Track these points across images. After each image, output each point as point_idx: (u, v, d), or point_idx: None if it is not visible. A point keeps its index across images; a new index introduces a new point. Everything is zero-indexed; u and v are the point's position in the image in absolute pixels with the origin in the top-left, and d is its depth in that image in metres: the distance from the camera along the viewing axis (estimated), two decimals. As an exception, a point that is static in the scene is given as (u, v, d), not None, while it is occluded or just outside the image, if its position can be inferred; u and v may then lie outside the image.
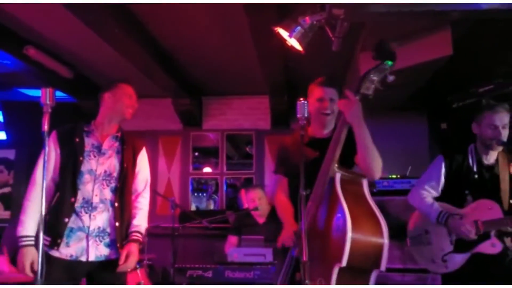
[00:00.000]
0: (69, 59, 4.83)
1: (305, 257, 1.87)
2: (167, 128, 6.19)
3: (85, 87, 5.48)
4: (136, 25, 3.99)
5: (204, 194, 9.38)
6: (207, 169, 7.75)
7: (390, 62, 2.07)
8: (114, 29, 3.66)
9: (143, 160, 2.71)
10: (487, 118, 2.74)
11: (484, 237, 2.63)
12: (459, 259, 2.72)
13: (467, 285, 2.48)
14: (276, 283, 2.39)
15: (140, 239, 2.56)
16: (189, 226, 4.69)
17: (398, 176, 4.67)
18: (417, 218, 3.05)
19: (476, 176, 2.75)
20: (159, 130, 6.20)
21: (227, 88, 5.95)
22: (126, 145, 2.62)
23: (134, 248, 2.49)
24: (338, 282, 1.90)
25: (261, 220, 4.44)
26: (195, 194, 9.02)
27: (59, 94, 5.38)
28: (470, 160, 2.79)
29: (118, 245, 2.47)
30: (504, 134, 2.68)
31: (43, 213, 2.04)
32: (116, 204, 2.50)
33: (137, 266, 3.76)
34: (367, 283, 1.99)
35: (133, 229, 2.55)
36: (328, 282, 1.90)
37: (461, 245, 2.73)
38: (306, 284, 1.85)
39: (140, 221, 2.61)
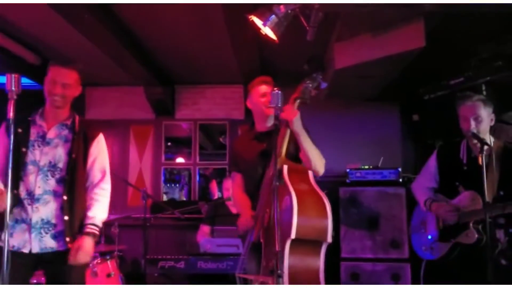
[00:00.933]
0: (36, 45, 4.65)
1: (278, 247, 1.98)
2: (139, 117, 6.08)
3: (53, 74, 5.31)
4: (107, 12, 3.86)
5: (177, 185, 9.29)
6: (180, 159, 7.67)
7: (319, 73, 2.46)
8: (84, 15, 3.54)
9: (98, 148, 2.55)
10: (460, 110, 2.79)
11: (463, 227, 2.69)
12: (442, 248, 2.83)
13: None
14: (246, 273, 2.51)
15: (95, 231, 2.43)
16: (161, 216, 4.65)
17: (371, 167, 4.73)
18: (418, 209, 3.18)
19: (466, 167, 2.79)
20: (131, 119, 6.08)
21: (200, 77, 5.87)
22: (77, 134, 2.47)
23: (85, 242, 2.37)
24: (291, 254, 2.14)
25: (235, 210, 4.42)
26: (168, 184, 8.93)
27: (26, 80, 5.19)
28: (461, 152, 2.84)
29: (67, 239, 2.36)
30: (476, 126, 2.68)
31: (8, 205, 1.98)
32: (65, 197, 2.39)
33: (107, 258, 3.70)
34: (318, 254, 2.22)
35: (87, 222, 2.43)
36: (282, 257, 2.11)
37: (444, 234, 2.84)
38: (279, 273, 1.93)
39: (95, 212, 2.47)
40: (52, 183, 2.38)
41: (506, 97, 4.03)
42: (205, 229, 4.44)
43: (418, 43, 3.51)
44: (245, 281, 2.48)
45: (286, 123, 2.42)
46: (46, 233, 2.34)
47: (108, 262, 3.67)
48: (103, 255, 3.85)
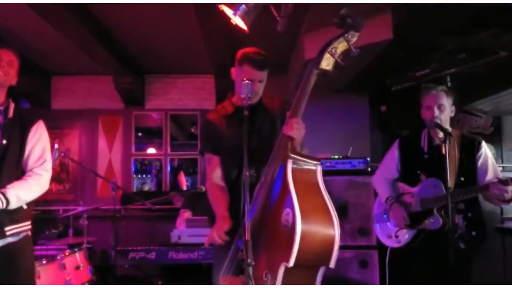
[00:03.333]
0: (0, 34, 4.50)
1: (247, 236, 1.80)
2: (108, 107, 5.99)
3: (17, 63, 5.15)
4: (72, -1, 3.77)
5: (148, 176, 9.21)
6: (151, 150, 7.60)
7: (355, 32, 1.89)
8: (49, 2, 3.44)
9: (36, 136, 2.44)
10: (424, 100, 2.87)
11: (427, 213, 2.78)
12: (407, 235, 2.92)
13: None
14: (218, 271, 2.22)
15: None
16: (131, 208, 4.61)
17: (340, 156, 4.80)
18: (379, 199, 3.23)
19: (427, 156, 2.87)
20: (99, 109, 5.99)
21: (171, 67, 5.82)
22: (10, 120, 2.38)
23: None
24: (285, 279, 1.83)
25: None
26: (139, 175, 8.84)
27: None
28: (422, 142, 2.92)
29: (4, 229, 2.28)
30: (439, 115, 2.76)
31: None
32: None
33: (76, 250, 3.65)
34: (314, 278, 1.92)
35: None
36: (274, 277, 1.84)
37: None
38: (249, 263, 1.78)
39: (13, 186, 2.31)
40: None
41: (470, 88, 4.17)
42: (185, 214, 4.40)
43: (385, 35, 3.57)
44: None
45: (287, 136, 1.98)
46: None
47: (77, 254, 3.62)
48: (71, 247, 3.80)
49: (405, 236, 2.93)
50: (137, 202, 4.46)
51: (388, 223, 3.09)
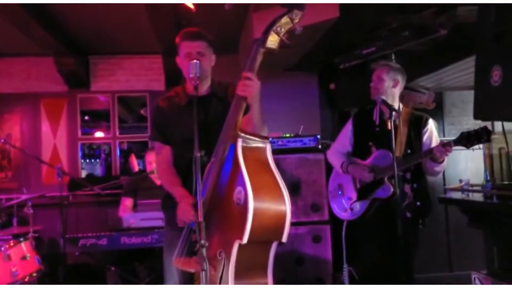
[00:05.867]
0: None
1: (200, 218, 1.82)
2: (50, 90, 5.72)
3: None
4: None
5: (97, 160, 8.96)
6: (99, 134, 7.36)
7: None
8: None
9: None
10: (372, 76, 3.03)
11: (379, 183, 2.91)
12: (361, 206, 3.05)
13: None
14: (170, 252, 2.20)
15: None
16: (79, 194, 4.47)
17: (291, 135, 4.85)
18: (334, 174, 3.35)
19: (378, 129, 3.04)
20: (41, 92, 5.72)
21: (116, 47, 5.61)
22: None
23: None
24: (239, 257, 1.86)
25: (159, 182, 4.33)
26: (87, 160, 8.59)
27: None
28: (374, 116, 3.08)
29: None
30: (377, 85, 2.97)
31: None
32: None
33: (21, 240, 3.50)
34: (267, 253, 1.96)
35: None
36: (228, 255, 1.88)
37: (362, 192, 3.05)
38: (203, 244, 1.78)
39: None
40: None
41: (413, 65, 4.31)
42: (127, 202, 4.32)
43: (332, 14, 3.62)
44: (184, 273, 2.12)
45: (241, 97, 1.98)
46: None
47: (22, 244, 3.49)
48: (16, 237, 3.65)
49: (360, 207, 3.06)
50: (85, 188, 4.32)
51: (342, 197, 3.21)
